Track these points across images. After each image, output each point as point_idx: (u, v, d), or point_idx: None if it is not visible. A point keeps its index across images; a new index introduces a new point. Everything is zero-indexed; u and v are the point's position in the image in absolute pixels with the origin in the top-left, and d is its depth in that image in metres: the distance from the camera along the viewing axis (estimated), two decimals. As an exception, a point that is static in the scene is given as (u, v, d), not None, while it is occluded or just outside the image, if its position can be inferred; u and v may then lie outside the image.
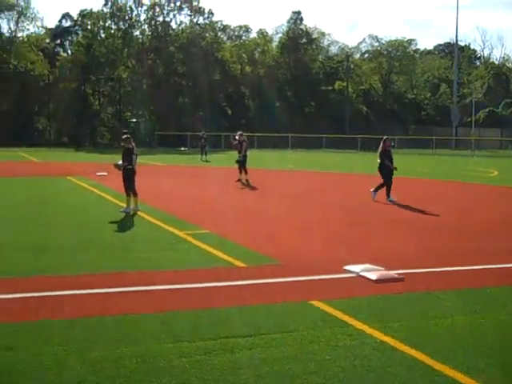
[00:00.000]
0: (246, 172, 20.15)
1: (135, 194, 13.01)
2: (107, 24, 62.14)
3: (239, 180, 20.11)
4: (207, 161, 33.76)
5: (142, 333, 5.34)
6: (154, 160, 34.35)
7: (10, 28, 60.40)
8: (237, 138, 21.07)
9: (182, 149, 48.56)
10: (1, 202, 15.21)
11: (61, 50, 70.33)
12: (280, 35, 72.69)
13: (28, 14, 60.18)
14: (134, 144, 13.19)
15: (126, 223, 11.74)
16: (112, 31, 61.76)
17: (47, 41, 67.43)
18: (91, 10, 66.74)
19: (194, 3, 64.14)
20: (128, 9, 62.54)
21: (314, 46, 72.40)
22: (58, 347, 4.94)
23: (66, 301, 6.33)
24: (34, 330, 5.37)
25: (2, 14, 58.34)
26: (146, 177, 23.66)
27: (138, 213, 12.71)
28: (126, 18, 62.38)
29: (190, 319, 5.76)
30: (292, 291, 6.85)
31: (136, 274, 7.44)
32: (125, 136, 13.21)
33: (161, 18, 63.89)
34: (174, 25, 64.89)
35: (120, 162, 13.03)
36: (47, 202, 15.07)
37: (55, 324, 5.57)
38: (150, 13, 63.36)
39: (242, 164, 20.29)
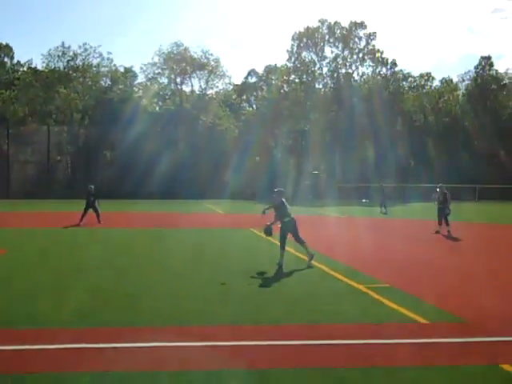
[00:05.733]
0: (447, 223, 20.43)
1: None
2: (291, 78, 64.97)
3: (437, 232, 20.62)
4: (385, 213, 33.31)
5: None
6: (334, 211, 34.77)
7: (200, 86, 65.65)
8: (437, 190, 21.72)
9: (363, 200, 48.16)
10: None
11: (246, 105, 75.07)
12: (466, 82, 69.91)
13: (217, 73, 64.78)
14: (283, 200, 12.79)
15: (304, 274, 12.01)
16: (295, 85, 64.37)
17: (234, 97, 72.23)
18: (275, 65, 71.35)
19: (377, 54, 64.51)
20: (311, 62, 64.86)
21: (505, 92, 68.43)
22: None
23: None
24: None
25: (195, 74, 63.39)
26: (323, 228, 24.10)
27: (315, 263, 12.81)
28: (309, 71, 64.65)
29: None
30: (478, 353, 6.59)
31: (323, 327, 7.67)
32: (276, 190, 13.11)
33: (343, 70, 65.20)
34: (356, 76, 65.87)
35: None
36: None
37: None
38: (333, 65, 65.00)
39: (445, 216, 20.58)
